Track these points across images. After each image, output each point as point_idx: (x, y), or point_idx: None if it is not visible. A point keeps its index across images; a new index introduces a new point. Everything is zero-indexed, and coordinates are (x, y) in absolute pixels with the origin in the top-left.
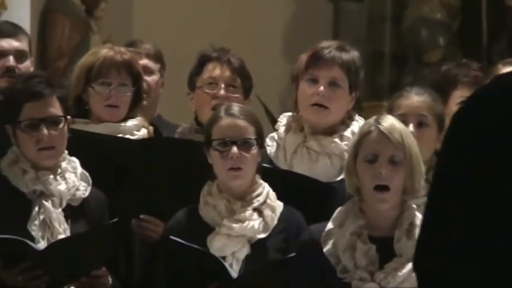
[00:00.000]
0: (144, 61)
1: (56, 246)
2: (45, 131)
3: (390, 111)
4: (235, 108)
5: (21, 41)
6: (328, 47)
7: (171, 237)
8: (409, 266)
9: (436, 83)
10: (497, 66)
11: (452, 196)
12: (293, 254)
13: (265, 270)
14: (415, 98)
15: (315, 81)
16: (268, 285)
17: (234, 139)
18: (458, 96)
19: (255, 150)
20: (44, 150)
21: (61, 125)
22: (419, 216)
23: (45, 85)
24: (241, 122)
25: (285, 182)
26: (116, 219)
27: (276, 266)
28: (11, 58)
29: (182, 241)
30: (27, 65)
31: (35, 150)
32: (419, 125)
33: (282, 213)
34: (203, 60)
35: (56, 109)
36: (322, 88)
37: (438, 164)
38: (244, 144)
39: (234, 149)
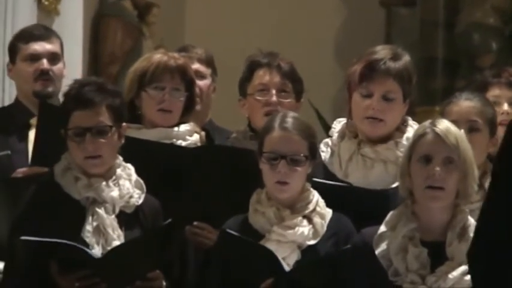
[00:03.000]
0: (195, 65)
1: (113, 253)
2: (89, 140)
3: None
4: (290, 120)
5: (53, 43)
6: (382, 58)
7: (227, 230)
8: (461, 269)
9: (473, 89)
10: None
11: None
12: (348, 247)
13: (318, 264)
14: (465, 104)
15: (369, 95)
16: (321, 279)
17: (284, 154)
18: (490, 96)
19: (304, 165)
20: (90, 159)
21: (108, 134)
22: (471, 220)
23: (95, 93)
24: (294, 137)
25: (333, 194)
26: (169, 220)
27: (329, 260)
28: (45, 61)
29: (237, 234)
30: (60, 67)
31: (81, 158)
32: (470, 130)
33: (331, 220)
34: (253, 67)
35: (104, 118)
36: (376, 103)
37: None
38: (294, 160)
39: (283, 164)
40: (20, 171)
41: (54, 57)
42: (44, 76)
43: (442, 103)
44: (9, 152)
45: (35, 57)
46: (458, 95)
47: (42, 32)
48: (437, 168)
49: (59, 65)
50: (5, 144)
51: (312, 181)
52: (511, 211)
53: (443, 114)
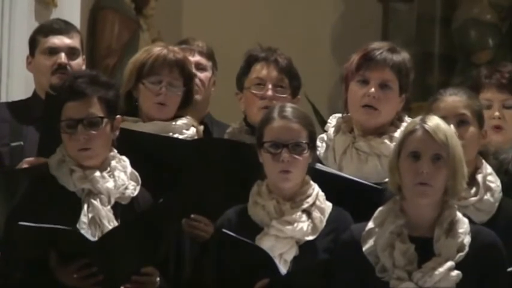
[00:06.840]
0: (196, 58)
1: (109, 235)
2: (81, 132)
3: None
4: (289, 109)
5: (73, 38)
6: (380, 48)
7: (224, 230)
8: (447, 265)
9: (468, 87)
10: None
11: None
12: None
13: (314, 269)
14: (451, 98)
15: (365, 82)
16: (317, 284)
17: (285, 142)
18: (482, 99)
19: (306, 153)
20: (82, 151)
21: (100, 126)
22: (459, 216)
23: (87, 85)
24: (294, 125)
25: (333, 185)
26: (161, 200)
27: (325, 264)
28: (63, 55)
29: (234, 234)
30: (79, 62)
31: (74, 150)
32: (460, 124)
33: (330, 214)
34: (250, 61)
35: (96, 110)
36: (372, 90)
37: None
38: (296, 148)
39: (285, 152)
40: (27, 161)
41: (73, 52)
42: (61, 70)
43: (428, 101)
44: (21, 142)
45: (54, 51)
46: (443, 92)
47: (62, 26)
48: (425, 170)
49: (78, 60)
50: (19, 135)
51: (314, 169)
52: None
53: (430, 112)
